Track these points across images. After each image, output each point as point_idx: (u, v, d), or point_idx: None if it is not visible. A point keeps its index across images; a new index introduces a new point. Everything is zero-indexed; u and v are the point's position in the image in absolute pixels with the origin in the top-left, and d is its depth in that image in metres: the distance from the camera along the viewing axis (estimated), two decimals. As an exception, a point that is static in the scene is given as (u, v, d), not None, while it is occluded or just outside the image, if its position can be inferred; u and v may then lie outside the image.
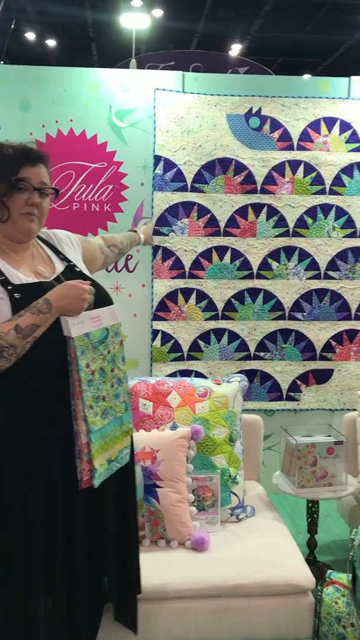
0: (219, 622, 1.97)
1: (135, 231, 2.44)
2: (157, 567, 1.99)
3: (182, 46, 9.42)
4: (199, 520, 2.23)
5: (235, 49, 10.55)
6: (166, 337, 3.31)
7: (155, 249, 3.25)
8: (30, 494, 1.54)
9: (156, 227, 3.23)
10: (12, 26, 6.25)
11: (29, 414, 1.54)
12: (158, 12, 8.31)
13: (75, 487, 1.53)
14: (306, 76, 3.45)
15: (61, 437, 1.53)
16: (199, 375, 3.32)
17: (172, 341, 3.32)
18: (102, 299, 1.65)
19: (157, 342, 3.30)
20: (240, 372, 3.29)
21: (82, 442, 1.50)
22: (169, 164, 3.22)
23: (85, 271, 1.79)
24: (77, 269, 1.74)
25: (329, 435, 2.58)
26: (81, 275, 1.72)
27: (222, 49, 9.66)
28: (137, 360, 3.33)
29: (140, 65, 5.18)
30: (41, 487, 1.55)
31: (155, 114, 3.19)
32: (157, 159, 3.21)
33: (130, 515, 1.79)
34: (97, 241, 2.06)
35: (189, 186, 3.25)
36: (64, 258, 1.75)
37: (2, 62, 8.81)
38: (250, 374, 3.36)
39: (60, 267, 1.71)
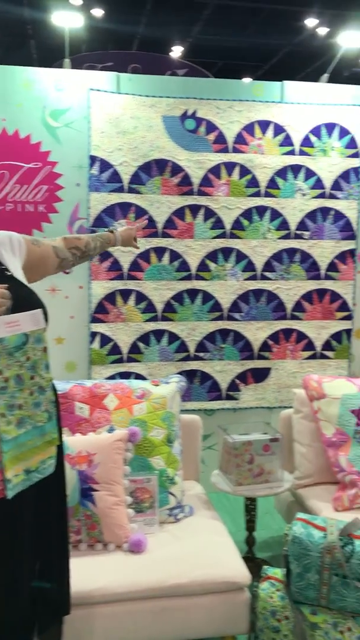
0: (157, 622, 1.97)
1: (112, 231, 2.22)
2: (93, 571, 1.98)
3: (123, 47, 9.38)
4: (137, 522, 2.22)
5: (176, 51, 10.59)
6: (105, 339, 3.29)
7: (93, 250, 3.22)
8: None
9: (93, 228, 3.20)
10: None
11: None
12: (98, 12, 8.25)
13: None
14: (246, 80, 3.49)
15: None
16: (139, 377, 3.31)
17: (111, 343, 3.30)
18: (28, 302, 1.60)
19: (96, 344, 3.28)
20: (180, 372, 3.31)
21: None
22: (105, 165, 3.20)
23: (19, 275, 1.73)
24: (8, 273, 1.68)
25: (266, 433, 2.63)
26: (10, 280, 1.66)
27: (162, 51, 9.68)
28: (75, 364, 3.30)
29: (79, 65, 5.12)
30: None
31: (90, 114, 3.17)
32: (93, 159, 3.18)
33: (54, 528, 1.73)
34: (53, 243, 1.94)
35: (125, 187, 3.24)
36: None
37: None
38: (190, 375, 3.38)
39: None
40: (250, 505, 2.67)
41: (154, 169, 3.27)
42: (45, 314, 1.64)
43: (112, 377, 3.28)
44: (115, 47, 9.16)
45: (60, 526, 1.76)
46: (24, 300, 1.58)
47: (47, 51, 9.62)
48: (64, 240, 1.99)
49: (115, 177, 3.22)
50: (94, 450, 2.22)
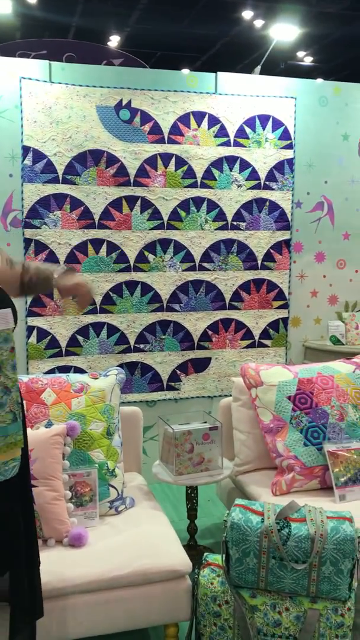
0: (100, 615, 1.97)
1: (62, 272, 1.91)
2: (32, 568, 1.95)
3: (59, 35, 9.19)
4: (77, 516, 2.21)
5: (114, 41, 10.47)
6: (42, 333, 3.24)
7: (27, 242, 3.16)
8: None
9: (27, 220, 3.14)
10: None
11: None
12: (33, -1, 8.05)
13: None
14: (185, 71, 3.49)
15: None
16: (78, 370, 3.28)
17: (49, 337, 3.26)
18: None
19: (33, 338, 3.22)
20: (120, 365, 3.29)
21: None
22: (38, 155, 3.13)
23: None
24: None
25: (205, 422, 2.65)
26: None
27: (100, 40, 9.54)
28: (13, 358, 3.23)
29: (11, 53, 4.98)
30: None
31: (22, 103, 3.09)
32: (26, 149, 3.11)
33: (22, 535, 1.69)
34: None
35: (60, 178, 3.19)
36: None
37: None
38: (131, 366, 3.38)
39: None
40: (192, 494, 2.69)
41: (89, 159, 3.23)
42: (15, 314, 1.59)
43: (51, 372, 3.24)
44: (51, 35, 8.96)
45: (28, 533, 1.72)
46: None
47: (-21, 38, 9.31)
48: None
49: (50, 167, 3.16)
50: (32, 445, 2.18)
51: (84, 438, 2.37)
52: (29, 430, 2.31)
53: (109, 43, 10.22)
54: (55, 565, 1.98)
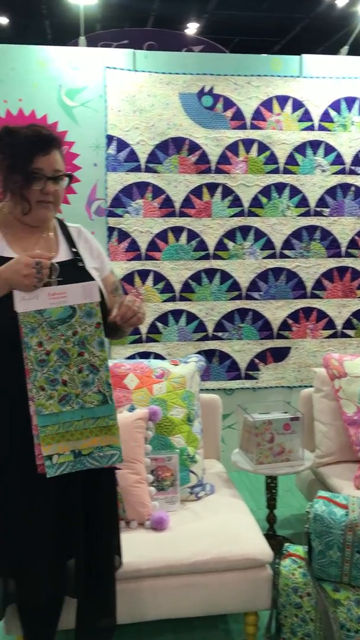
0: (180, 599, 1.99)
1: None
2: (116, 548, 2.00)
3: (138, 24, 9.25)
4: (159, 500, 2.24)
5: (191, 28, 10.43)
6: (124, 320, 3.29)
7: (110, 230, 3.21)
8: None
9: (110, 209, 3.19)
10: None
11: None
12: (113, -11, 8.13)
13: (34, 471, 1.49)
14: (262, 55, 3.43)
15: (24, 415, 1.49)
16: (157, 357, 3.32)
17: (130, 323, 3.30)
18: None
19: (115, 324, 3.28)
20: (198, 352, 3.30)
21: (34, 424, 1.45)
22: (121, 144, 3.17)
23: (91, 270, 1.69)
24: (80, 264, 1.66)
25: (286, 412, 2.62)
26: (82, 271, 1.64)
27: (178, 28, 9.53)
28: (95, 344, 3.31)
29: (94, 44, 5.05)
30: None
31: (107, 92, 3.14)
32: (110, 138, 3.16)
33: (105, 535, 1.72)
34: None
35: (142, 166, 3.21)
36: (75, 252, 1.68)
37: None
38: (208, 354, 3.38)
39: (64, 256, 1.65)
40: (271, 484, 2.67)
41: (171, 147, 3.23)
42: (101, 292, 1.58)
43: (131, 357, 3.29)
44: (131, 25, 9.04)
45: (110, 532, 1.76)
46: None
47: (61, 31, 9.53)
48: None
49: (133, 156, 3.19)
50: (115, 429, 2.24)
51: (165, 423, 2.39)
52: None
53: (186, 30, 10.19)
54: (138, 547, 2.02)
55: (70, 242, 1.71)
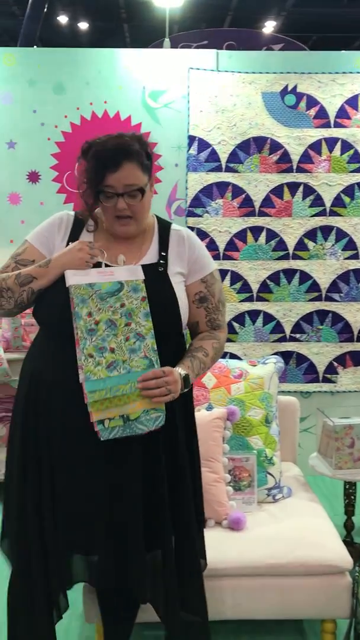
0: (257, 600, 1.98)
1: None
2: (194, 545, 2.01)
3: (215, 24, 9.28)
4: (236, 500, 2.24)
5: (269, 26, 10.34)
6: (201, 319, 3.30)
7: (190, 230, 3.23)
8: (52, 443, 1.57)
9: (190, 209, 3.21)
10: (45, 10, 6.25)
11: (48, 359, 1.60)
12: (191, -10, 8.19)
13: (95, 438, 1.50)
14: (347, 52, 3.35)
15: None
16: (233, 356, 3.31)
17: (207, 323, 3.31)
18: (156, 298, 1.56)
19: (192, 323, 3.30)
20: (275, 353, 3.27)
21: (84, 392, 1.47)
22: (203, 144, 3.19)
23: (174, 275, 1.64)
24: (161, 269, 1.63)
25: (367, 417, 2.55)
26: (159, 275, 1.62)
27: (255, 27, 9.48)
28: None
29: (173, 46, 5.12)
30: (64, 437, 1.57)
31: (189, 93, 3.16)
32: (192, 139, 3.18)
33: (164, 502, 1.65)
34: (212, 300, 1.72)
35: (223, 166, 3.22)
36: (163, 256, 1.65)
37: (35, 47, 8.83)
38: (285, 356, 3.34)
39: (148, 259, 1.63)
40: (350, 490, 2.61)
41: (252, 146, 3.22)
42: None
43: (207, 357, 3.30)
44: (207, 25, 9.06)
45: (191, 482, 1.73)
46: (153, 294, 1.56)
47: (140, 34, 9.70)
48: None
49: (213, 156, 3.20)
50: (194, 427, 2.25)
51: (243, 424, 2.39)
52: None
53: (264, 29, 10.11)
54: (215, 546, 2.02)
55: (163, 246, 1.67)
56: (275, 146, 3.22)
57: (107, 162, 1.53)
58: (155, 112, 3.21)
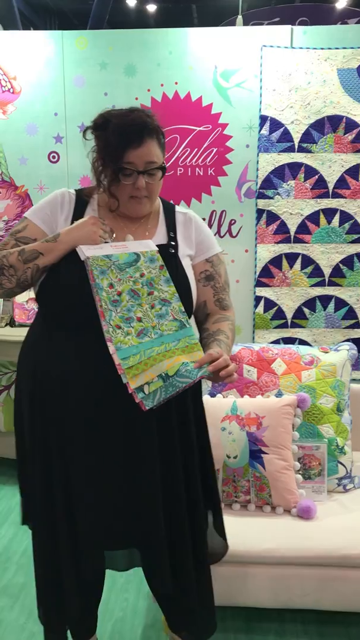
0: (325, 590, 1.95)
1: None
2: (264, 533, 1.99)
3: (286, 0, 9.00)
4: (305, 489, 2.20)
5: (342, 1, 9.94)
6: (269, 304, 3.25)
7: (259, 212, 3.17)
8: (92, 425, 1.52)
9: (261, 190, 3.15)
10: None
11: (54, 350, 1.53)
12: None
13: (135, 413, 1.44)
14: None
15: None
16: (302, 343, 3.25)
17: (276, 308, 3.26)
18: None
19: (260, 308, 3.25)
20: (347, 340, 3.18)
21: (116, 363, 1.42)
22: (275, 124, 3.11)
23: (184, 257, 1.63)
24: (172, 251, 1.61)
25: None
26: (170, 257, 1.59)
27: (328, 1, 9.13)
28: (240, 327, 3.31)
29: (245, 23, 5.01)
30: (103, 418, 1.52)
31: (262, 72, 3.08)
32: (263, 119, 3.11)
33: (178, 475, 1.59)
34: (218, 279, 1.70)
35: (296, 146, 3.13)
36: (171, 237, 1.63)
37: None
38: (358, 343, 3.23)
39: (157, 241, 1.60)
40: None
41: (326, 126, 3.11)
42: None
43: (275, 342, 3.25)
44: (278, 2, 8.80)
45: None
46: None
47: (208, 14, 9.55)
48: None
49: (286, 136, 3.12)
50: (263, 413, 2.22)
51: (314, 412, 2.33)
52: (259, 397, 2.35)
53: (336, 4, 9.73)
54: (284, 535, 1.99)
55: (171, 228, 1.64)
56: (351, 125, 3.09)
57: (129, 138, 1.47)
58: (226, 92, 3.15)
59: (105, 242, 1.52)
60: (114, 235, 1.57)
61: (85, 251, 1.47)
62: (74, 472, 1.53)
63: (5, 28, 5.74)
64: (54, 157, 3.27)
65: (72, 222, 1.56)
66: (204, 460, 1.69)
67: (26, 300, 3.22)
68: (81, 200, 1.61)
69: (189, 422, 1.62)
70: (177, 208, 1.69)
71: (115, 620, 2.08)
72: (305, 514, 2.09)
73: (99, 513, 1.54)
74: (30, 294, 3.19)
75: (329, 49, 3.06)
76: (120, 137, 1.47)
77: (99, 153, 1.52)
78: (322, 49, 3.06)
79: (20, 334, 3.02)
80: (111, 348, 1.42)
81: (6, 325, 3.20)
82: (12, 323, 3.21)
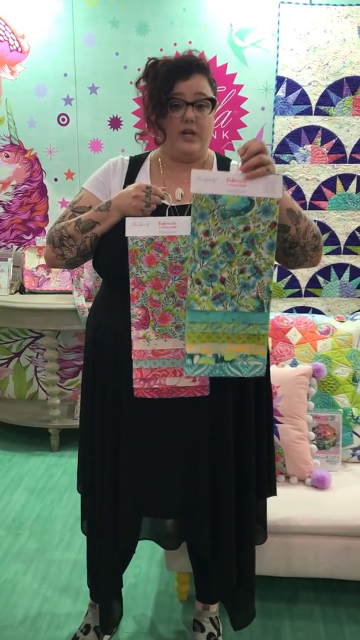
0: (339, 560, 1.94)
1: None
2: (278, 502, 1.97)
3: None
4: (319, 459, 2.18)
5: None
6: (283, 272, 3.20)
7: (275, 178, 3.09)
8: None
9: (276, 155, 3.06)
10: None
11: (112, 310, 1.56)
12: None
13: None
14: None
15: None
16: (316, 312, 3.20)
17: (290, 276, 3.20)
18: None
19: (274, 277, 3.19)
20: (362, 309, 3.13)
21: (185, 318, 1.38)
22: (292, 86, 3.00)
23: None
24: None
25: None
26: None
27: None
28: (253, 295, 3.25)
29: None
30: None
31: (279, 30, 2.96)
32: (280, 80, 3.00)
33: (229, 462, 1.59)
34: None
35: (313, 109, 3.03)
36: None
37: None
38: (372, 312, 3.18)
39: None
40: None
41: (345, 87, 3.00)
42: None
43: (288, 311, 3.20)
44: None
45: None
46: None
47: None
48: None
49: (303, 98, 3.01)
50: (278, 382, 2.19)
51: (329, 381, 2.30)
52: (274, 366, 2.31)
53: None
54: (299, 504, 1.98)
55: None
56: (371, 86, 2.99)
57: (178, 70, 1.48)
58: (242, 51, 3.03)
59: (161, 208, 1.46)
60: (171, 198, 1.51)
61: (128, 229, 1.42)
62: (124, 421, 1.54)
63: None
64: (63, 119, 3.18)
65: (124, 186, 1.55)
66: (270, 444, 1.70)
67: (36, 267, 3.17)
68: (135, 164, 1.61)
69: (261, 401, 1.63)
70: (233, 161, 1.64)
71: (128, 586, 2.09)
72: (319, 483, 2.07)
73: (143, 466, 1.55)
74: (41, 260, 3.14)
75: (350, 5, 2.93)
76: (169, 70, 1.48)
77: (149, 90, 1.51)
78: (342, 5, 2.94)
79: (30, 300, 3.02)
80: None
81: (16, 292, 3.16)
82: (22, 290, 3.17)
